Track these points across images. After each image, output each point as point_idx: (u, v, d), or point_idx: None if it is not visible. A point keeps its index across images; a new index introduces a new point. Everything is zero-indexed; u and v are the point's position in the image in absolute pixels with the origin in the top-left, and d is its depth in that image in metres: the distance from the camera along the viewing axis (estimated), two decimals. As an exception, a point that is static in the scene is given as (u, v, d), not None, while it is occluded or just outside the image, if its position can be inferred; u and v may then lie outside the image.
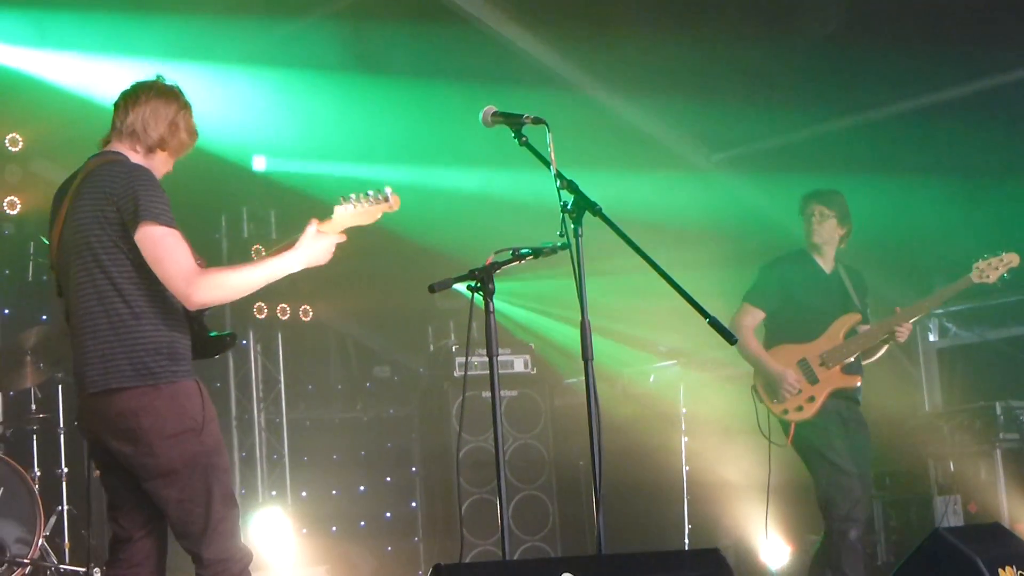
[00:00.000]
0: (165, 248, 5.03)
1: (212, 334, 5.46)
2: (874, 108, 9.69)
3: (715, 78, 9.54)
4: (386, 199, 5.12)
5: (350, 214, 5.15)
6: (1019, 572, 5.98)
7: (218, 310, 11.77)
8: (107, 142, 5.41)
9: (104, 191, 5.12)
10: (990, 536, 6.41)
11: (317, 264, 5.23)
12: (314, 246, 5.18)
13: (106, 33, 9.24)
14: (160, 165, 5.42)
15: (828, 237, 8.12)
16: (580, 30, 9.28)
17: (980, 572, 5.67)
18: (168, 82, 5.49)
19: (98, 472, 5.47)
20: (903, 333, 7.94)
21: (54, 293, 5.45)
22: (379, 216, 5.19)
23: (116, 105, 5.42)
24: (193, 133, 5.50)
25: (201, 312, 5.33)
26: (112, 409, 5.07)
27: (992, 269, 7.86)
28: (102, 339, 5.09)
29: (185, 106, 5.46)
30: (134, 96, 5.40)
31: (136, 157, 5.34)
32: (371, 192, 5.16)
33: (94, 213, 5.11)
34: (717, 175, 10.77)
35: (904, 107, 9.57)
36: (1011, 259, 7.87)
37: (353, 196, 5.17)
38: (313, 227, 5.18)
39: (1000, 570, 5.89)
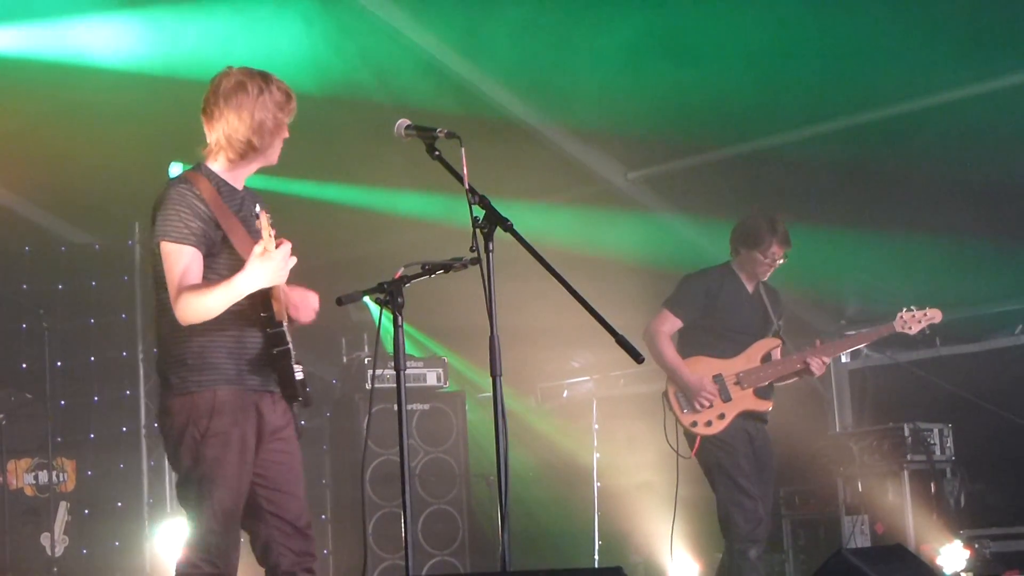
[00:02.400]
0: (167, 265, 5.21)
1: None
2: (797, 128, 9.71)
3: (632, 95, 9.52)
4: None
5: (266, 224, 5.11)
6: (919, 594, 6.06)
7: (131, 318, 11.81)
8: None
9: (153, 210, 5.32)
10: (893, 557, 6.49)
11: (279, 281, 5.19)
12: (261, 267, 5.10)
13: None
14: (266, 157, 5.50)
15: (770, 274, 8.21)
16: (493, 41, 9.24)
17: (881, 593, 5.74)
18: (235, 75, 5.43)
19: None
20: (819, 367, 8.00)
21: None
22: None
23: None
24: (282, 109, 5.43)
25: (280, 346, 5.33)
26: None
27: (915, 321, 8.05)
28: (158, 349, 5.42)
29: (260, 92, 5.39)
30: (207, 113, 5.44)
31: (230, 166, 5.46)
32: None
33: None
34: (634, 193, 10.76)
35: (826, 128, 9.60)
36: (934, 315, 8.09)
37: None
38: (259, 247, 5.10)
39: (901, 591, 5.96)
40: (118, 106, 9.72)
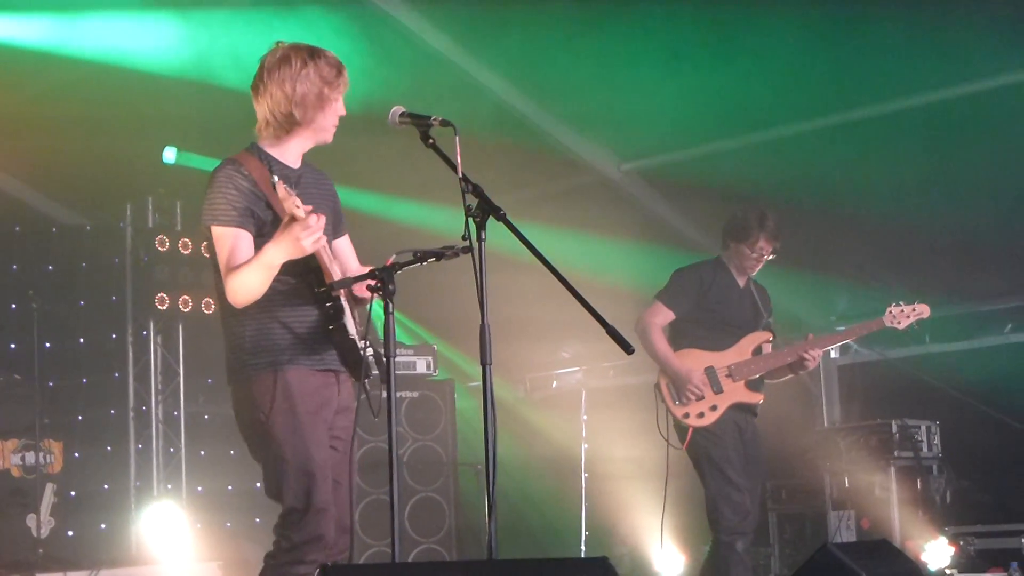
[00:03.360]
0: (217, 249, 5.22)
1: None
2: (789, 123, 9.72)
3: (627, 86, 9.53)
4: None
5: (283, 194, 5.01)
6: (904, 590, 6.07)
7: (121, 301, 11.80)
8: None
9: None
10: (878, 552, 6.50)
11: (310, 250, 5.05)
12: (288, 235, 5.01)
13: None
14: (315, 132, 5.43)
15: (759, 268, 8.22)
16: (487, 29, 9.23)
17: (866, 588, 5.75)
18: (280, 50, 5.38)
19: None
20: (813, 360, 8.02)
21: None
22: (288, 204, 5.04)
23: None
24: (329, 83, 5.36)
25: (335, 322, 5.29)
26: None
27: (904, 316, 8.07)
28: (223, 336, 5.41)
29: (304, 65, 5.33)
30: (255, 89, 5.39)
31: (279, 143, 5.42)
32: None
33: None
34: (627, 184, 10.78)
35: (819, 123, 9.61)
36: (922, 310, 8.09)
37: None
38: (287, 217, 5.02)
39: (886, 587, 5.97)
40: (112, 88, 9.70)
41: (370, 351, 5.36)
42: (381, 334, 5.02)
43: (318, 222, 4.99)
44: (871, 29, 8.63)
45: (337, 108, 5.41)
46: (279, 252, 5.03)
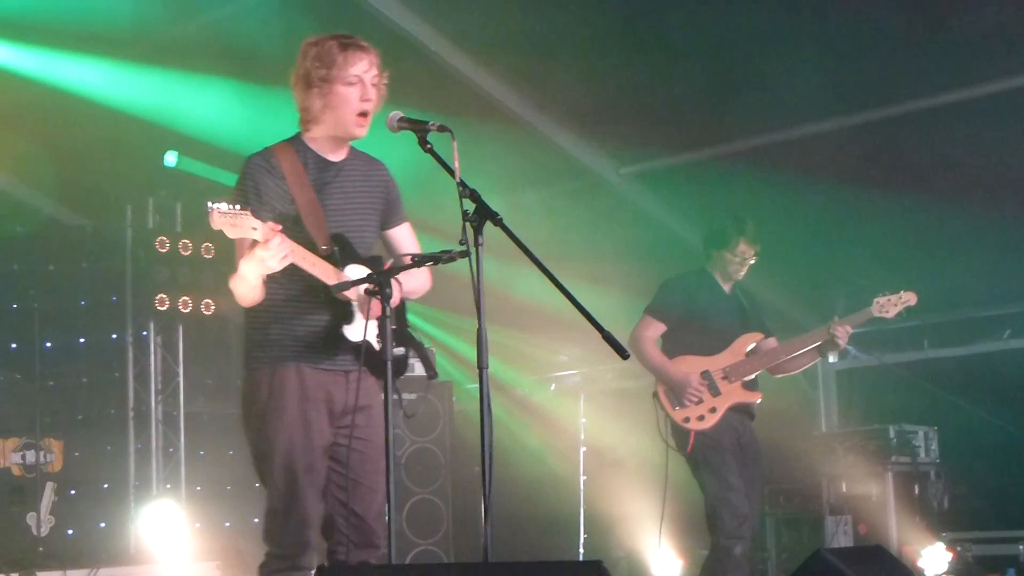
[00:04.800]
0: None
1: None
2: (788, 127, 9.74)
3: (626, 90, 9.55)
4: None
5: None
6: (898, 595, 6.08)
7: (121, 301, 11.83)
8: None
9: None
10: (872, 558, 6.49)
11: (271, 270, 5.00)
12: (249, 256, 4.98)
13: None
14: (334, 124, 5.35)
15: (744, 272, 8.26)
16: (483, 29, 9.25)
17: (860, 594, 5.75)
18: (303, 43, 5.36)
19: None
20: (843, 337, 8.04)
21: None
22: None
23: None
24: (328, 65, 5.25)
25: (348, 322, 5.27)
26: None
27: (892, 305, 8.05)
28: None
29: (304, 55, 5.30)
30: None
31: (314, 133, 5.38)
32: None
33: None
34: (626, 188, 10.80)
35: (820, 127, 9.63)
36: (908, 297, 8.06)
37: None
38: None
39: (879, 593, 5.98)
40: (115, 91, 9.74)
41: (399, 351, 5.36)
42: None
43: (279, 244, 4.91)
44: (871, 30, 8.66)
45: (349, 98, 5.30)
46: (250, 270, 5.02)
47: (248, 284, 5.10)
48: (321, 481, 5.28)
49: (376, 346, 5.28)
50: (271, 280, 5.16)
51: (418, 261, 5.12)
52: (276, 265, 4.95)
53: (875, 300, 8.11)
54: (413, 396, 11.11)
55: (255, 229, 4.85)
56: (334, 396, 5.31)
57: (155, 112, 10.01)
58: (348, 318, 5.24)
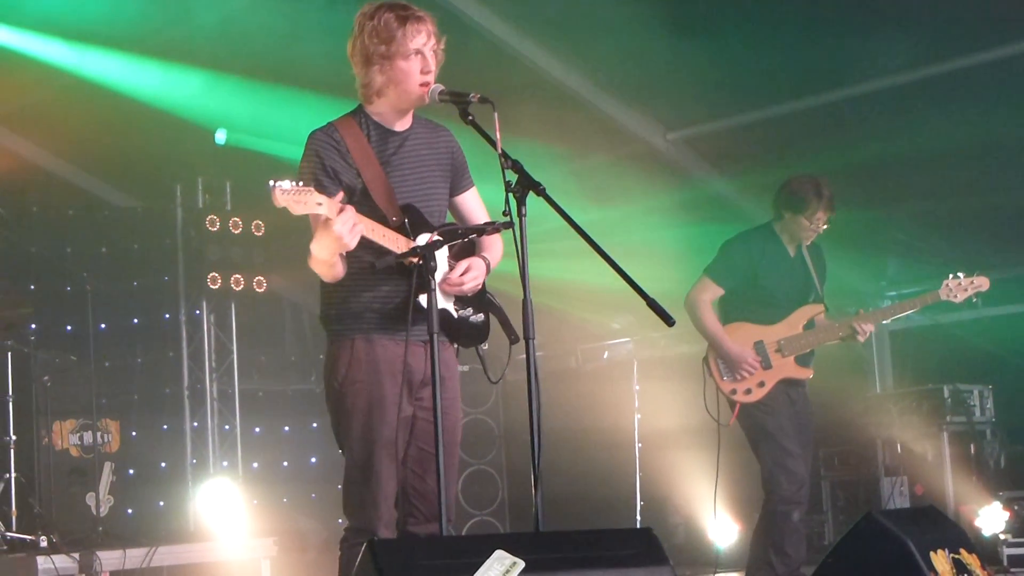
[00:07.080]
0: None
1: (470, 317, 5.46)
2: (837, 88, 9.66)
3: (672, 54, 9.50)
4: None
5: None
6: (951, 555, 6.04)
7: (173, 281, 11.92)
8: None
9: None
10: (924, 519, 6.48)
11: (345, 247, 4.94)
12: (320, 234, 4.94)
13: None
14: (398, 95, 5.28)
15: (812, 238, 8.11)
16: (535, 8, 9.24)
17: (911, 555, 5.74)
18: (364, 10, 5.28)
19: None
20: (865, 333, 7.92)
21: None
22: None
23: None
24: (386, 39, 5.15)
25: (423, 288, 5.16)
26: None
27: (961, 289, 7.83)
28: None
29: (361, 31, 5.22)
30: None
31: (375, 105, 5.32)
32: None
33: None
34: (673, 154, 10.76)
35: (869, 87, 9.54)
36: (981, 282, 7.85)
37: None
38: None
39: (932, 553, 5.95)
40: (163, 72, 9.80)
41: (479, 317, 5.40)
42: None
43: (348, 217, 4.86)
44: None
45: (410, 71, 5.19)
46: (322, 249, 4.99)
47: (325, 263, 5.07)
48: (398, 454, 5.25)
49: (455, 315, 5.33)
50: (345, 254, 5.10)
51: (462, 233, 5.13)
52: (350, 241, 4.89)
53: (944, 282, 7.89)
54: (466, 368, 11.19)
55: (320, 204, 4.81)
56: (413, 368, 5.26)
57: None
58: (423, 287, 5.12)
